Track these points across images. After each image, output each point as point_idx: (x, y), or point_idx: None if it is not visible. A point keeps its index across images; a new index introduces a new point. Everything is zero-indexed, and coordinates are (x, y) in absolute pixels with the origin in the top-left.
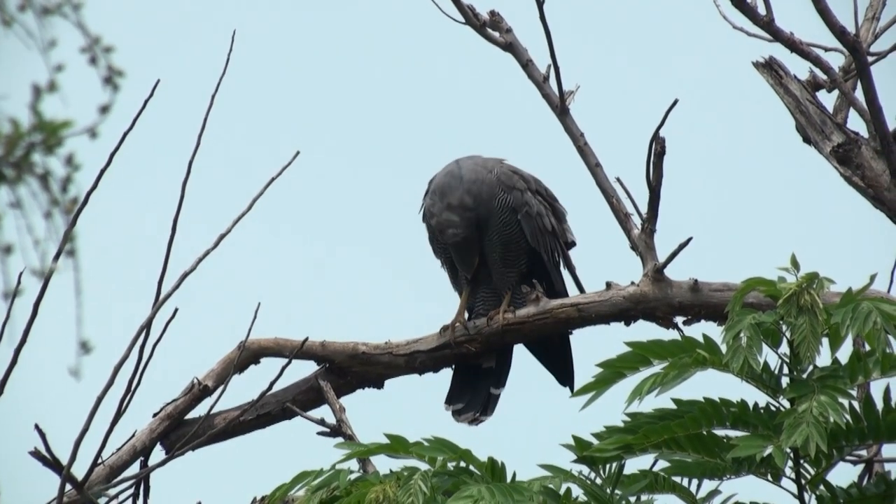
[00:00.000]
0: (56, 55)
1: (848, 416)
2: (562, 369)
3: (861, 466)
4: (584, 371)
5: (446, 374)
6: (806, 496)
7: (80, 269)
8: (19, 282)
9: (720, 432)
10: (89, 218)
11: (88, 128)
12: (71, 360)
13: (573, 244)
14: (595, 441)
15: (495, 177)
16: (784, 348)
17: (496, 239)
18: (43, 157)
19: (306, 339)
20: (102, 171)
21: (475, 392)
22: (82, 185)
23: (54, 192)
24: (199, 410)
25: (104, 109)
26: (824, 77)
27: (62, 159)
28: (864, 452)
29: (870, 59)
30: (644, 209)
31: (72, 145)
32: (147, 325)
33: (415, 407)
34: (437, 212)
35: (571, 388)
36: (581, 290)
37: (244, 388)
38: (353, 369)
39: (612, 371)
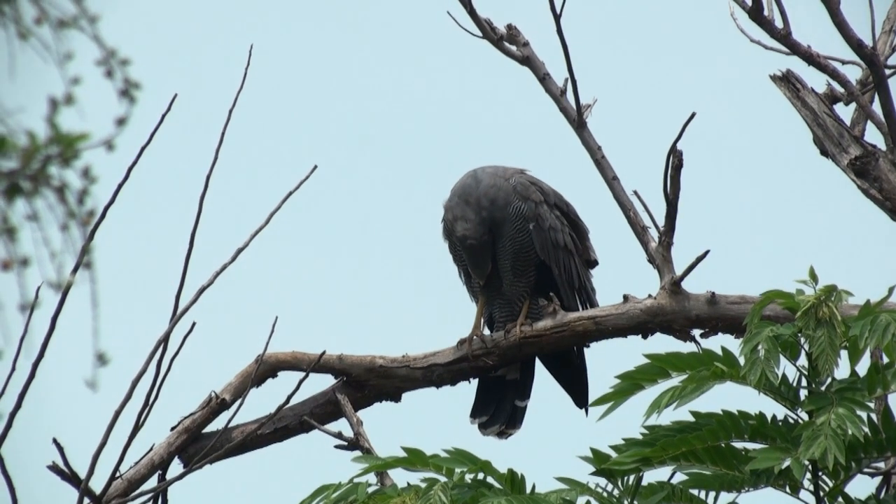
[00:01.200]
0: (72, 68)
1: (866, 429)
2: (578, 391)
3: (879, 479)
4: (602, 384)
5: (464, 388)
6: None
7: (97, 280)
8: (37, 297)
9: (738, 445)
10: (106, 231)
11: (105, 140)
12: (88, 372)
13: (595, 263)
14: (613, 454)
15: (512, 186)
16: (802, 361)
17: (509, 246)
18: (59, 170)
19: (323, 353)
20: (120, 186)
21: (500, 404)
22: (99, 198)
23: (71, 204)
24: (217, 424)
25: (121, 122)
26: (841, 90)
27: (79, 172)
28: (881, 465)
29: (887, 71)
30: (661, 222)
31: (88, 158)
32: (165, 339)
33: (432, 420)
34: (454, 206)
35: (586, 411)
36: None
37: (262, 402)
38: (370, 382)
39: (631, 382)
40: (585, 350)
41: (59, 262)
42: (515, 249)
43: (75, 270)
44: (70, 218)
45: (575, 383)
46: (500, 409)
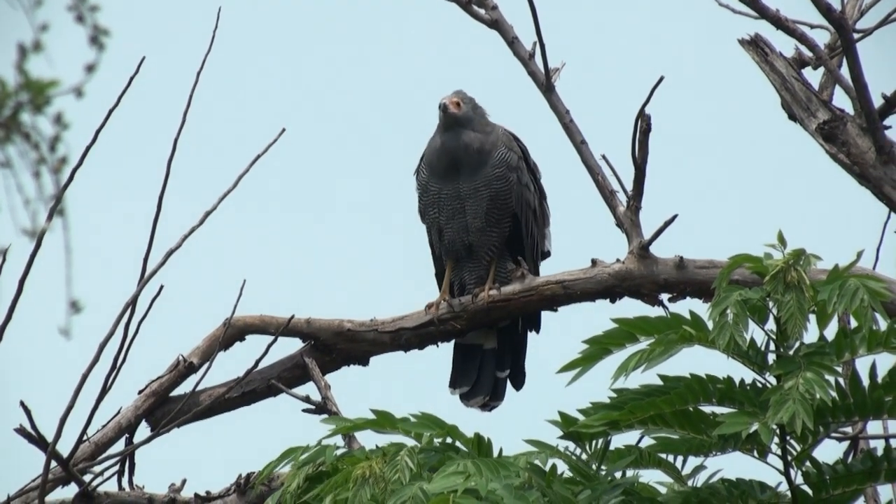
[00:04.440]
0: (42, 14)
1: (834, 393)
2: (515, 368)
3: (846, 443)
4: (570, 350)
5: (432, 352)
6: (792, 472)
7: (70, 228)
8: (5, 258)
9: (706, 409)
10: (75, 191)
11: (75, 87)
12: (61, 320)
13: (548, 254)
14: (581, 417)
15: (499, 133)
16: (771, 325)
17: (485, 192)
18: (31, 117)
19: (292, 317)
20: (88, 148)
21: (480, 375)
22: (71, 145)
23: (42, 151)
24: (185, 387)
25: (90, 68)
26: (810, 54)
27: (50, 118)
28: (849, 430)
29: (855, 35)
30: (629, 186)
31: (58, 104)
32: (132, 302)
33: (400, 384)
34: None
35: (520, 386)
36: None
37: (230, 366)
38: (338, 346)
39: (599, 347)
40: (553, 315)
41: (33, 209)
42: (492, 195)
43: (49, 219)
44: (41, 164)
45: (514, 357)
46: (482, 380)
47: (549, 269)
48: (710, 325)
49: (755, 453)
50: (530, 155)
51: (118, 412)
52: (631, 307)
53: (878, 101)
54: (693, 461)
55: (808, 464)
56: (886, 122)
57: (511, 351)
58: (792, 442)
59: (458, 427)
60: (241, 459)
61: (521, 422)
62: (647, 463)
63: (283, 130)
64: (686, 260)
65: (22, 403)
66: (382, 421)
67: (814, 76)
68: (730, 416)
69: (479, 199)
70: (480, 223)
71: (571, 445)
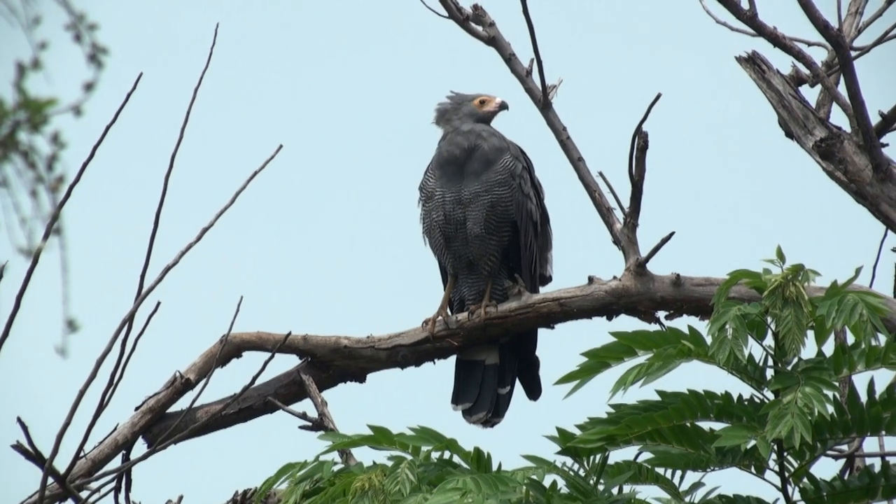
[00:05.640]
0: (40, 32)
1: (832, 408)
2: (531, 383)
3: (842, 461)
4: (567, 364)
5: (429, 369)
6: (789, 489)
7: (67, 246)
8: (2, 274)
9: (704, 424)
10: (72, 202)
11: (73, 106)
12: (58, 339)
13: (549, 279)
14: (579, 432)
15: (507, 143)
16: (769, 340)
17: (486, 197)
18: (29, 136)
19: (289, 333)
20: (85, 165)
21: (482, 391)
22: (68, 164)
23: (40, 170)
24: (182, 404)
25: (89, 87)
26: (807, 72)
27: (48, 137)
28: (845, 447)
29: (853, 53)
30: (626, 203)
31: (56, 123)
32: (129, 319)
33: (396, 401)
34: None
35: (536, 398)
36: None
37: (226, 382)
38: (335, 363)
39: (597, 361)
40: (549, 332)
41: (30, 228)
42: (493, 201)
43: (45, 238)
44: (38, 182)
45: (529, 376)
46: (484, 396)
47: (546, 287)
48: (708, 340)
49: (753, 469)
50: (535, 172)
51: (115, 429)
52: (628, 324)
53: (875, 119)
54: (691, 477)
55: (805, 480)
56: (883, 139)
57: (516, 367)
58: (789, 458)
59: (456, 441)
60: (237, 476)
61: (517, 437)
62: (645, 479)
63: (281, 147)
64: (683, 277)
65: (19, 419)
66: (380, 437)
67: (811, 94)
68: (728, 429)
69: (479, 204)
70: (479, 230)
71: (569, 461)
